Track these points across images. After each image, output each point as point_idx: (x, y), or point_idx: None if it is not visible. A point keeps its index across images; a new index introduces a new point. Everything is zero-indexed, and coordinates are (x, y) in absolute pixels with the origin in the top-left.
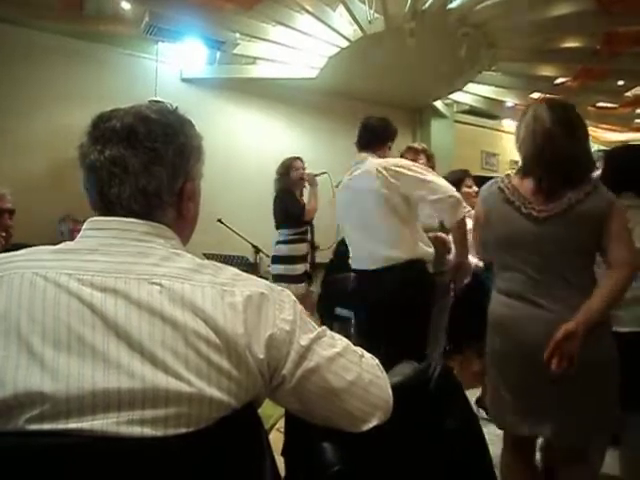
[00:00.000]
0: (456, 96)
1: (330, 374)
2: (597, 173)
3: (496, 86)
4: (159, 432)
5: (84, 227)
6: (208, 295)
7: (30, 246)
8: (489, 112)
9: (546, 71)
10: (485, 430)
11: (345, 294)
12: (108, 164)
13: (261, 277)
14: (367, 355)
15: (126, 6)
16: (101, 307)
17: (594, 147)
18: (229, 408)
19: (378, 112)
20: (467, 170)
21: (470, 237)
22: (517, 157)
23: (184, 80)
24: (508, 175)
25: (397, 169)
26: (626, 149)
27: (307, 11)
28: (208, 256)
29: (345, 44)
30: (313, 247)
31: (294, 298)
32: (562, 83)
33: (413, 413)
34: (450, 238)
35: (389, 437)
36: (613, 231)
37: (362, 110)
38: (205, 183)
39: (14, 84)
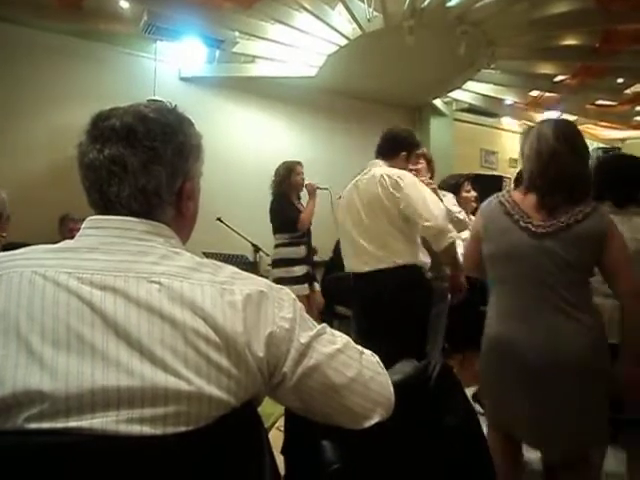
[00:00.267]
0: (455, 94)
1: (330, 370)
2: None
3: (495, 84)
4: (158, 431)
5: (83, 226)
6: (207, 293)
7: (29, 245)
8: (488, 110)
9: (545, 69)
10: (485, 427)
11: (345, 292)
12: (107, 163)
13: (261, 276)
14: (367, 352)
15: (125, 5)
16: (100, 305)
17: (593, 145)
18: (228, 406)
19: (377, 110)
20: (467, 174)
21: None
22: (516, 155)
23: (183, 79)
24: (509, 191)
25: (399, 182)
26: (615, 158)
27: (306, 9)
28: (208, 255)
29: (344, 42)
30: (310, 250)
31: (294, 296)
32: (561, 81)
33: (413, 411)
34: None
35: (389, 435)
36: (611, 259)
37: (361, 108)
38: (204, 182)
39: (14, 83)
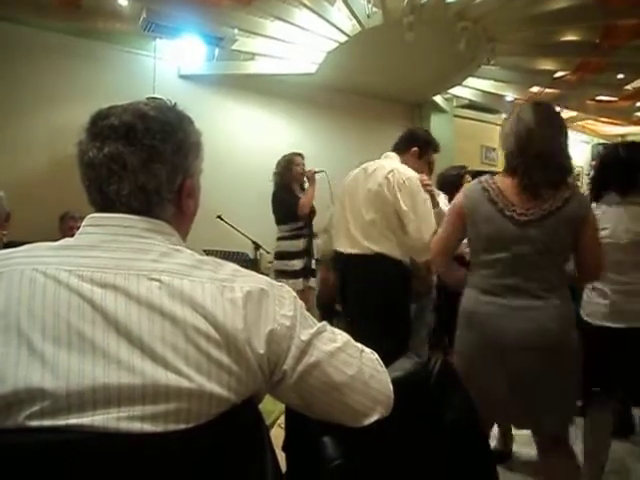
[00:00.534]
0: (455, 90)
1: (331, 368)
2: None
3: (495, 80)
4: (159, 428)
5: (84, 224)
6: (208, 291)
7: (30, 243)
8: (488, 106)
9: (545, 65)
10: None
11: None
12: (107, 161)
13: (261, 273)
14: (367, 350)
15: (123, 3)
16: (101, 303)
17: (593, 141)
18: (229, 403)
19: (377, 107)
20: (465, 166)
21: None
22: None
23: (182, 77)
24: (492, 176)
25: (406, 182)
26: (615, 146)
27: (305, 6)
28: (208, 252)
29: (344, 39)
30: (310, 243)
31: (294, 294)
32: (561, 77)
33: (413, 407)
34: None
35: (390, 431)
36: (586, 239)
37: (361, 105)
38: (204, 179)
39: (13, 82)
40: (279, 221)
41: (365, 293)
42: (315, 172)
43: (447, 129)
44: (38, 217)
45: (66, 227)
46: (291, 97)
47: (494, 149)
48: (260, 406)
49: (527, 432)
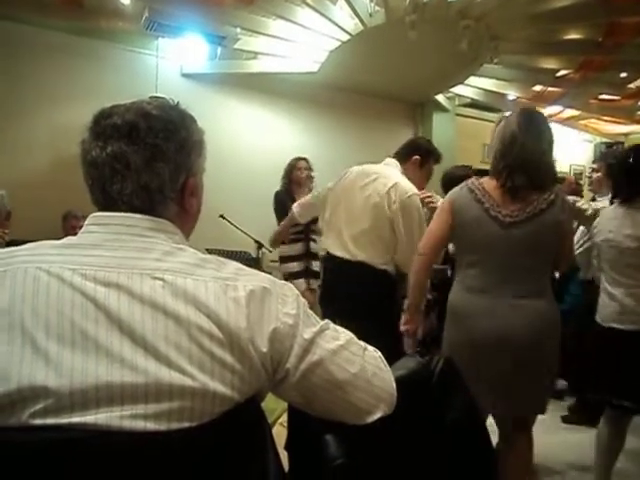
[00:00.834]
0: (458, 89)
1: (334, 366)
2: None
3: (498, 79)
4: (162, 426)
5: (87, 222)
6: (211, 290)
7: (32, 242)
8: (491, 105)
9: (548, 63)
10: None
11: None
12: (110, 160)
13: (264, 272)
14: (370, 348)
15: (126, 2)
16: (104, 302)
17: (596, 140)
18: (232, 402)
19: (379, 106)
20: (470, 166)
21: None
22: None
23: (185, 76)
24: (478, 177)
25: (403, 202)
26: (625, 151)
27: (308, 5)
28: (211, 251)
29: (346, 38)
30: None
31: (297, 292)
32: (564, 75)
33: (416, 406)
34: None
35: (392, 430)
36: (563, 241)
37: (363, 104)
38: (207, 178)
39: (16, 81)
40: (279, 224)
41: (354, 297)
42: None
43: (449, 128)
44: (40, 216)
45: (68, 226)
46: (293, 96)
47: None
48: (262, 404)
49: None
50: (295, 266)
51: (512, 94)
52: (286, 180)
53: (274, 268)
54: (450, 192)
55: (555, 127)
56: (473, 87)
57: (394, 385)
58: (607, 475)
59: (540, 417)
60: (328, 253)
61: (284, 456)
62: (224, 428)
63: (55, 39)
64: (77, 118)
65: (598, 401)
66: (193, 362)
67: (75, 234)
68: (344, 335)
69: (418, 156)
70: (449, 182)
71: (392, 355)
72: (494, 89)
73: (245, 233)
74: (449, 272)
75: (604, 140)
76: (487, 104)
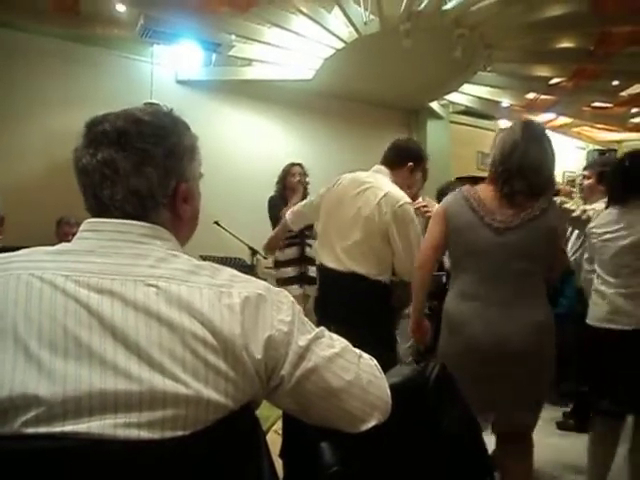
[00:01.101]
0: (452, 97)
1: (329, 374)
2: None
3: (491, 87)
4: (156, 435)
5: (81, 229)
6: (205, 296)
7: (25, 248)
8: (485, 112)
9: (541, 71)
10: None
11: None
12: (100, 166)
13: (258, 279)
14: (365, 356)
15: (121, 9)
16: (98, 308)
17: (589, 147)
18: (226, 410)
19: (374, 113)
20: (463, 182)
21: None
22: None
23: (179, 82)
24: (472, 185)
25: (399, 211)
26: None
27: (302, 13)
28: (205, 258)
29: (341, 45)
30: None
31: (292, 299)
32: (557, 83)
33: (411, 413)
34: None
35: (388, 437)
36: (557, 247)
37: (358, 111)
38: (201, 185)
39: (10, 87)
40: (273, 230)
41: (348, 307)
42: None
43: (443, 135)
44: (34, 222)
45: (61, 232)
46: (288, 103)
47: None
48: (257, 412)
49: None
50: (290, 271)
51: (506, 102)
52: (280, 186)
53: (269, 275)
54: (444, 199)
55: (548, 134)
56: (467, 95)
57: (389, 393)
58: None
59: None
60: (322, 265)
61: (279, 464)
62: (218, 436)
63: (50, 45)
64: (71, 124)
65: (591, 404)
66: (187, 369)
67: (68, 240)
68: (339, 343)
69: (412, 162)
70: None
71: (388, 364)
72: (488, 97)
73: (240, 240)
74: (444, 279)
75: (597, 147)
76: (481, 111)
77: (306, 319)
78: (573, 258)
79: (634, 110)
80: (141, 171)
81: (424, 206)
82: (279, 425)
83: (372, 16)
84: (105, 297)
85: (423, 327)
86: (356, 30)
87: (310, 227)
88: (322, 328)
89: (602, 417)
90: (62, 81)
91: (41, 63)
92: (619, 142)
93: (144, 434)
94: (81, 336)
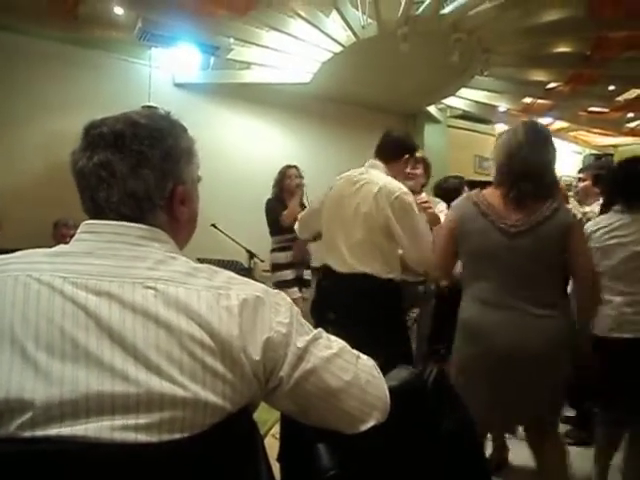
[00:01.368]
0: (449, 101)
1: (327, 374)
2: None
3: (489, 91)
4: (153, 438)
5: (79, 230)
6: (203, 299)
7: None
8: (482, 117)
9: (538, 76)
10: None
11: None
12: (96, 169)
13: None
14: (363, 356)
15: (119, 12)
16: (95, 310)
17: (585, 151)
18: (224, 412)
19: (371, 117)
20: (462, 177)
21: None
22: None
23: (177, 85)
24: (480, 190)
25: (397, 203)
26: (625, 161)
27: (300, 16)
28: (202, 261)
29: (338, 49)
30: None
31: (290, 300)
32: (554, 88)
33: (410, 416)
34: None
35: (385, 441)
36: (572, 246)
37: (355, 115)
38: (199, 188)
39: (9, 90)
40: (271, 233)
41: (355, 308)
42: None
43: (441, 139)
44: (33, 224)
45: (59, 234)
46: (286, 106)
47: (487, 159)
48: (255, 415)
49: (522, 441)
50: (288, 274)
51: (503, 106)
52: (277, 188)
53: (266, 278)
54: (453, 205)
55: (550, 134)
56: (464, 99)
57: (387, 393)
58: None
59: None
60: (328, 268)
61: (276, 468)
62: (216, 439)
63: (49, 48)
64: (70, 126)
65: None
66: (184, 372)
67: (65, 242)
68: (337, 343)
69: (407, 155)
70: (442, 193)
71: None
72: (485, 101)
73: (237, 243)
74: (422, 288)
75: (593, 152)
76: (478, 116)
77: (304, 321)
78: None
79: (630, 115)
80: (138, 173)
81: (425, 201)
82: (277, 429)
83: (370, 20)
84: (103, 299)
85: None
86: (354, 34)
87: None
88: (320, 329)
89: (605, 427)
90: (61, 83)
91: (40, 66)
92: (615, 146)
93: (141, 437)
94: (78, 338)
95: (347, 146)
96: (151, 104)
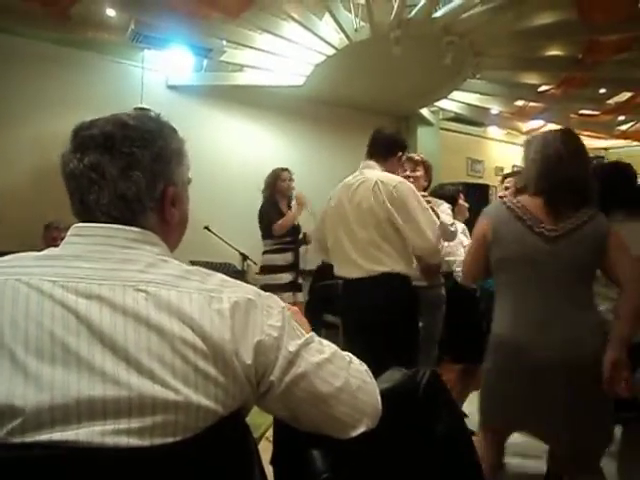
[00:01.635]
0: (442, 103)
1: (318, 380)
2: None
3: (481, 94)
4: (145, 442)
5: (69, 233)
6: (195, 302)
7: (14, 253)
8: (474, 119)
9: (530, 79)
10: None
11: (333, 300)
12: (87, 171)
13: (249, 284)
14: (355, 361)
15: (112, 13)
16: (86, 314)
17: None
18: (216, 415)
19: (364, 119)
20: (458, 184)
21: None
22: (502, 164)
23: (170, 87)
24: (514, 195)
25: (393, 193)
26: (613, 166)
27: (294, 19)
28: (195, 263)
29: (331, 52)
30: (297, 257)
31: (282, 304)
32: (546, 91)
33: (402, 419)
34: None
35: (379, 443)
36: (613, 250)
37: (348, 117)
38: (192, 190)
39: (2, 91)
40: (264, 236)
41: (371, 311)
42: (302, 198)
43: (433, 142)
44: (25, 225)
45: (49, 237)
46: (279, 109)
47: (480, 161)
48: (248, 419)
49: (518, 443)
50: (283, 277)
51: (495, 108)
52: (270, 190)
53: (260, 280)
54: (484, 210)
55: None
56: (457, 101)
57: (379, 399)
58: None
59: None
60: (344, 278)
61: (270, 471)
62: (208, 443)
63: (41, 49)
64: (63, 128)
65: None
66: (177, 375)
67: (56, 245)
68: (329, 348)
69: (400, 152)
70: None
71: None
72: (477, 103)
73: (230, 245)
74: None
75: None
76: (470, 118)
77: (296, 324)
78: None
79: (621, 117)
80: (128, 175)
81: (428, 201)
82: (271, 432)
83: (362, 23)
84: (94, 302)
85: None
86: (347, 37)
87: (298, 232)
88: (312, 333)
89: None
90: (53, 85)
91: (32, 67)
92: (606, 149)
93: (133, 441)
94: (69, 342)
95: (340, 148)
96: (144, 106)
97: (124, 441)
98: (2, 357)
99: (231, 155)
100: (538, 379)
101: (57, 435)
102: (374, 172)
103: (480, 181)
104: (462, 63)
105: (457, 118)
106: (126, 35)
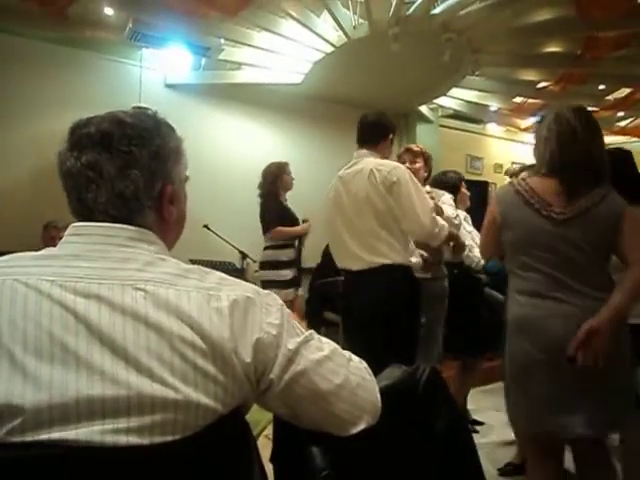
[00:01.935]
0: (440, 101)
1: (318, 377)
2: None
3: (480, 91)
4: (145, 440)
5: (67, 233)
6: (194, 300)
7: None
8: (473, 116)
9: (529, 75)
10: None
11: (333, 298)
12: (84, 169)
13: (248, 282)
14: (355, 358)
15: (110, 12)
16: (84, 313)
17: None
18: (216, 414)
19: None
20: (460, 173)
21: (474, 239)
22: (501, 160)
23: (168, 86)
24: (524, 178)
25: (389, 177)
26: (615, 152)
27: (292, 17)
28: (195, 262)
29: (330, 49)
30: (299, 253)
31: (281, 302)
32: (544, 87)
33: (402, 416)
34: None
35: (378, 441)
36: (628, 231)
37: (347, 115)
38: (191, 189)
39: (1, 90)
40: (266, 230)
41: (372, 304)
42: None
43: (432, 139)
44: (23, 225)
45: (48, 236)
46: (277, 107)
47: (479, 158)
48: (247, 416)
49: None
50: (287, 273)
51: (494, 105)
52: (275, 184)
53: (261, 276)
54: (494, 195)
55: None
56: (456, 98)
57: (378, 396)
58: None
59: None
60: (345, 270)
61: (269, 468)
62: (208, 441)
63: (39, 49)
64: (61, 127)
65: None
66: (176, 374)
67: (54, 245)
68: (328, 345)
69: (391, 134)
70: (441, 187)
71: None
72: (476, 100)
73: (229, 243)
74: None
75: None
76: (469, 115)
77: (295, 322)
78: None
79: (620, 114)
80: (126, 174)
81: (428, 192)
82: (270, 430)
83: (361, 20)
84: (92, 302)
85: None
86: (345, 34)
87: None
88: (311, 331)
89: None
90: (51, 84)
91: (30, 66)
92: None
93: (133, 440)
94: (68, 342)
95: (339, 146)
96: (142, 105)
97: (123, 440)
98: (1, 357)
99: (230, 153)
100: (556, 361)
101: (56, 434)
102: (368, 160)
103: (479, 178)
104: (461, 60)
105: (456, 115)
106: (124, 34)
